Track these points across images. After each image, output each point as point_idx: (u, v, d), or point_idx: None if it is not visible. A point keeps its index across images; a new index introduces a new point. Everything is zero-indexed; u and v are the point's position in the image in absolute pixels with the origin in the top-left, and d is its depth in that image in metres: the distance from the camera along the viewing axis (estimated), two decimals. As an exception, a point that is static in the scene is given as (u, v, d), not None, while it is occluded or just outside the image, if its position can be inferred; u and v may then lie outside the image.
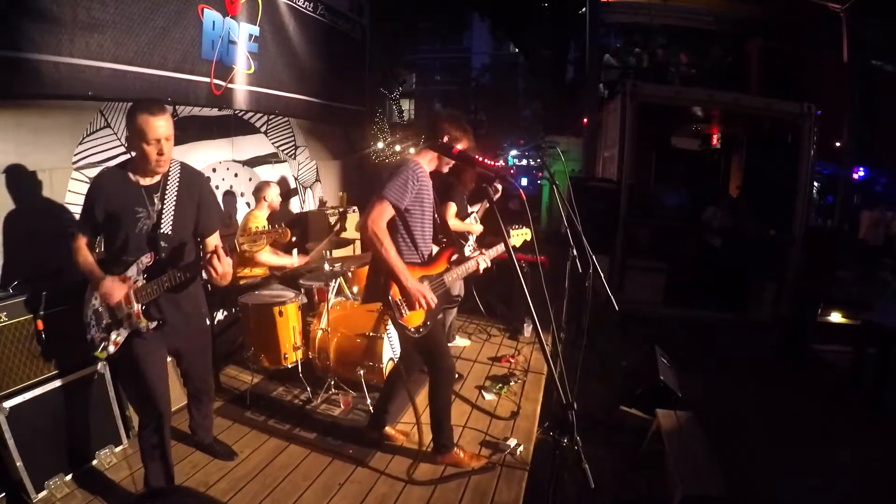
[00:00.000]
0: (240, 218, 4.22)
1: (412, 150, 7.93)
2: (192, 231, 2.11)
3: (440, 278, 2.41)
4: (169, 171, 2.04)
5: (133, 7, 2.87)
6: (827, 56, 9.15)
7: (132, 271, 1.98)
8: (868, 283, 8.26)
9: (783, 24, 9.39)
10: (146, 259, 1.98)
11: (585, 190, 6.56)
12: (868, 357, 4.69)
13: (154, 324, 2.00)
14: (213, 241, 2.17)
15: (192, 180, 2.12)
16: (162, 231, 1.99)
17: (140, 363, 2.04)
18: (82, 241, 2.02)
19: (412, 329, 2.28)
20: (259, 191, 3.66)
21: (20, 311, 2.21)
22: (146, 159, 1.92)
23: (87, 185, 2.06)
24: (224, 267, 1.90)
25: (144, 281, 1.98)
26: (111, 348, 1.99)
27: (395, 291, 2.24)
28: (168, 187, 2.02)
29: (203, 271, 1.94)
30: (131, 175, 1.99)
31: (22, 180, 2.54)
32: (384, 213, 2.17)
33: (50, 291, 2.29)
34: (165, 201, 2.00)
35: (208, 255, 1.90)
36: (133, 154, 1.96)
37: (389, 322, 3.18)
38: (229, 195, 4.14)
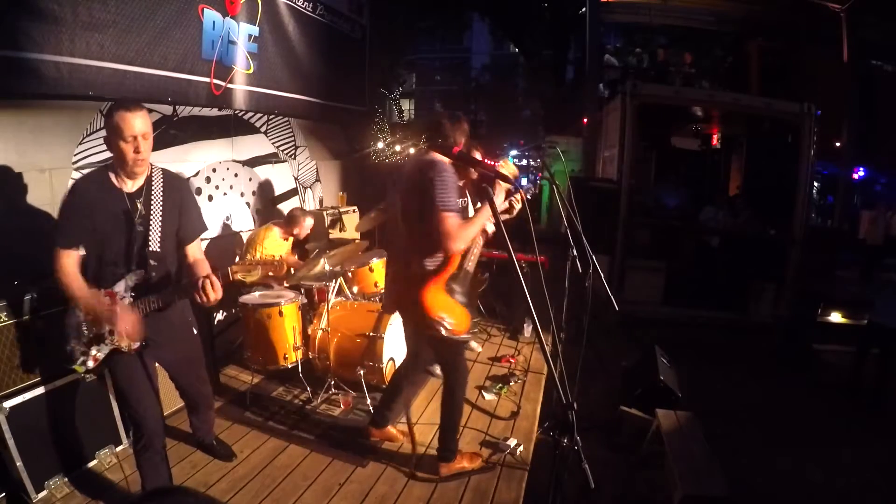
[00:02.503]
0: (237, 218, 4.22)
1: (412, 151, 7.93)
2: (175, 240, 2.04)
3: (464, 268, 2.32)
4: (152, 176, 1.97)
5: (133, 7, 2.87)
6: (827, 56, 9.14)
7: (120, 287, 1.91)
8: (868, 282, 8.26)
9: (783, 24, 9.39)
10: (135, 276, 1.92)
11: (585, 190, 6.56)
12: (869, 357, 4.69)
13: (136, 345, 1.93)
14: (193, 249, 2.08)
15: (175, 186, 2.04)
16: (151, 249, 1.92)
17: (122, 381, 1.98)
18: (68, 259, 1.84)
19: (464, 336, 2.19)
20: (292, 220, 3.60)
21: (20, 311, 2.21)
22: (124, 158, 1.84)
23: (69, 191, 1.92)
24: (216, 294, 1.84)
25: (132, 298, 1.92)
26: (90, 363, 1.91)
27: (432, 307, 2.13)
28: (153, 194, 1.95)
29: (195, 294, 1.86)
30: (114, 179, 1.91)
31: (21, 180, 2.54)
32: (457, 226, 2.02)
33: (50, 291, 2.29)
34: (151, 209, 1.93)
35: (201, 281, 1.83)
36: (112, 155, 1.88)
37: (389, 324, 3.19)
38: (223, 200, 4.13)
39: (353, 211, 5.35)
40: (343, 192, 5.79)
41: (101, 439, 2.49)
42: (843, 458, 3.63)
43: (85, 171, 2.82)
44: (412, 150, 8.09)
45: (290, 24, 4.43)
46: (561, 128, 13.28)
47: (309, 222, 3.67)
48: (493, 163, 2.20)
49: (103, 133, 2.91)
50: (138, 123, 1.81)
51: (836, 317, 6.50)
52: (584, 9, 9.93)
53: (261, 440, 2.77)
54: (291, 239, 3.71)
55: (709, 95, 7.22)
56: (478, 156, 2.74)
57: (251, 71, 3.98)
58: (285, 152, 4.94)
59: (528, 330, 4.44)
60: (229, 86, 3.78)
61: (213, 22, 3.49)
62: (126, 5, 2.82)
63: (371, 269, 3.84)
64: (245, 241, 3.80)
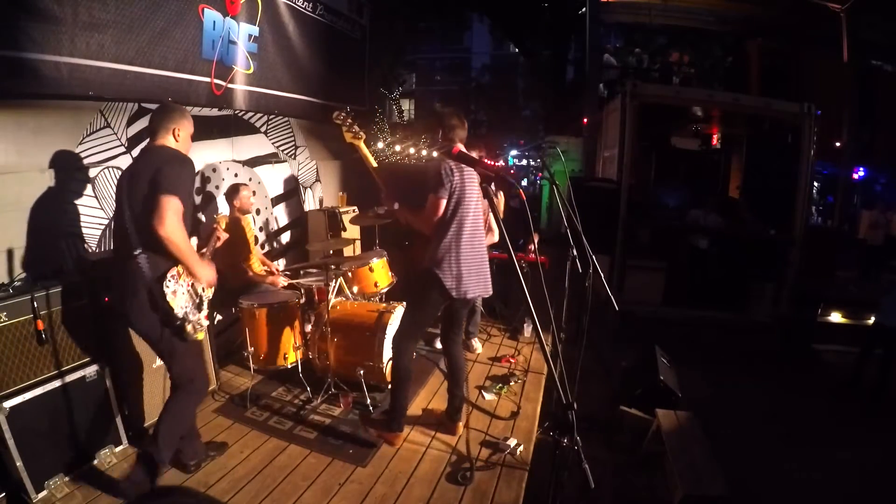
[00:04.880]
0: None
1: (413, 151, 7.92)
2: None
3: None
4: None
5: (134, 7, 2.87)
6: (827, 56, 9.15)
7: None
8: (868, 283, 8.26)
9: (783, 24, 9.41)
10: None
11: (585, 190, 6.55)
12: (872, 357, 4.69)
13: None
14: None
15: None
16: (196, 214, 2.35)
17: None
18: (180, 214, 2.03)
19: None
20: (230, 195, 3.57)
21: (20, 311, 2.21)
22: (189, 148, 2.26)
23: (188, 163, 2.15)
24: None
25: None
26: (205, 322, 2.25)
27: None
28: None
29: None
30: None
31: (21, 180, 2.54)
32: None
33: (49, 291, 2.29)
34: None
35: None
36: (182, 145, 2.23)
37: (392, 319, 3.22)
38: (222, 200, 4.10)
39: (353, 211, 5.34)
40: (343, 192, 5.79)
41: (101, 439, 2.49)
42: (843, 458, 3.62)
43: (84, 171, 2.84)
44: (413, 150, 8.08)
45: (290, 24, 4.43)
46: (561, 128, 13.29)
47: (246, 192, 3.60)
48: (492, 162, 2.23)
49: (103, 133, 2.97)
50: None
51: (836, 317, 6.50)
52: (584, 9, 9.96)
53: (261, 440, 2.77)
54: (245, 217, 3.64)
55: (709, 95, 7.22)
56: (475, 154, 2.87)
57: (251, 71, 3.98)
58: (285, 152, 4.94)
59: (528, 330, 4.44)
60: (230, 86, 3.78)
61: (214, 22, 3.49)
62: (126, 5, 2.82)
63: (371, 269, 3.84)
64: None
